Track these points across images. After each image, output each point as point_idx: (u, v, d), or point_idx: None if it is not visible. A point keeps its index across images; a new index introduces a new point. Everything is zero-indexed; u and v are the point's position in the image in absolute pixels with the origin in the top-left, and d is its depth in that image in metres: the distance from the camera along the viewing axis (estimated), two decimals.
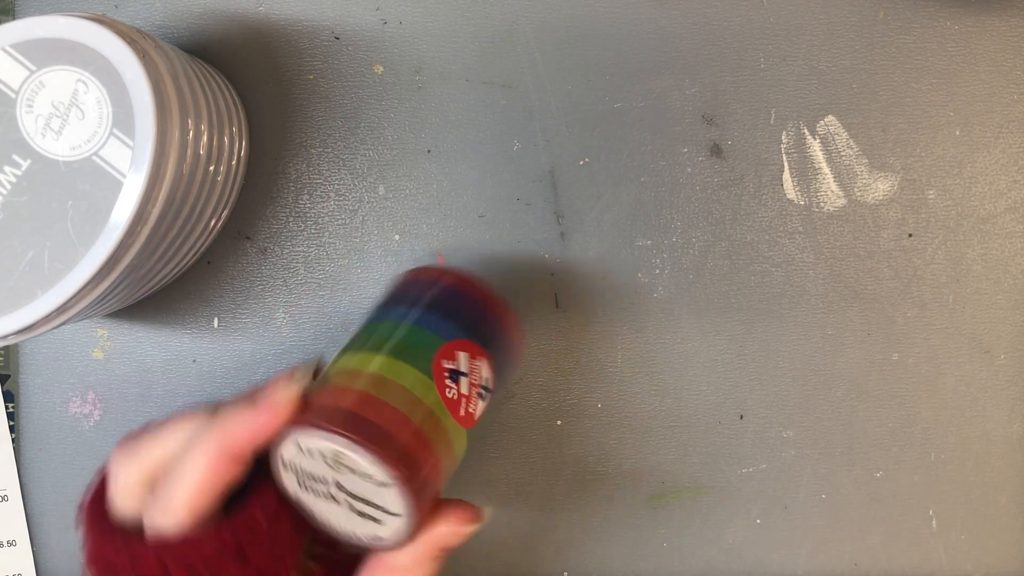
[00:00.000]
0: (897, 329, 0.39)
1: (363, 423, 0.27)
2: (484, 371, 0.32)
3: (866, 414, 0.40)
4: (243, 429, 0.27)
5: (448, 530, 0.28)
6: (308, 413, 0.27)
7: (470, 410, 0.30)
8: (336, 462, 0.27)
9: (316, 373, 0.31)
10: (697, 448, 0.39)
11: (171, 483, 0.27)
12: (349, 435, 0.26)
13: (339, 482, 0.27)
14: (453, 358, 0.31)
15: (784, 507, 0.40)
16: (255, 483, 0.29)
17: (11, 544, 0.39)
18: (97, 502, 0.29)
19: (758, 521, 0.40)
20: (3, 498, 0.38)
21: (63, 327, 0.38)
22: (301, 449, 0.27)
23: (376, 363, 0.29)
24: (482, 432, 0.39)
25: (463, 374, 0.31)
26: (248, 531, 0.27)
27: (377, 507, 0.27)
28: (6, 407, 0.38)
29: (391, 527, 0.28)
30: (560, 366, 0.39)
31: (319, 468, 0.27)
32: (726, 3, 0.38)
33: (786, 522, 0.40)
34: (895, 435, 0.40)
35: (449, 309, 0.32)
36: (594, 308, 0.39)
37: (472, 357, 0.31)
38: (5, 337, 0.28)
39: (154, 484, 0.28)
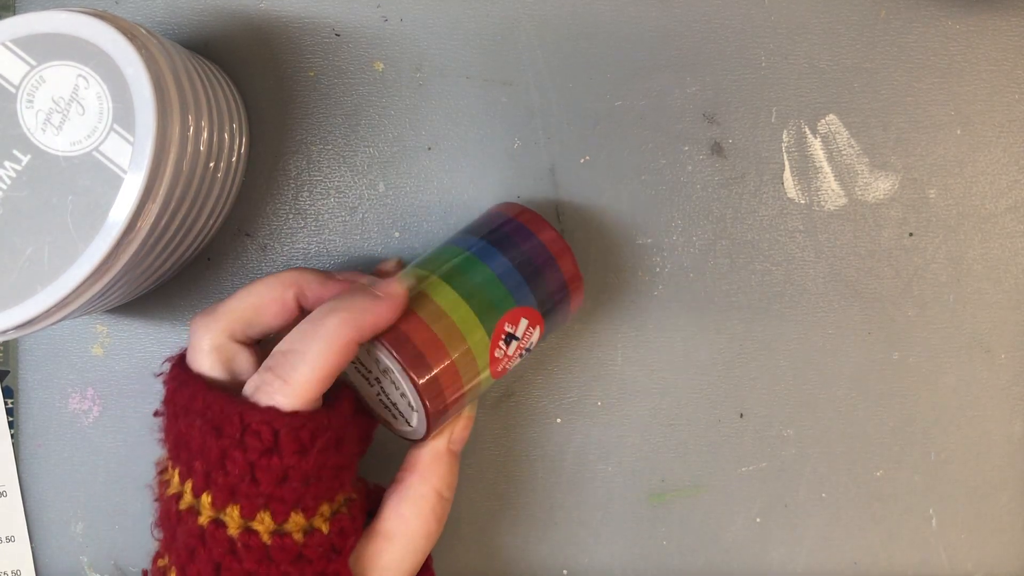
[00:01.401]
0: (898, 328, 0.39)
1: (423, 365, 0.29)
2: (534, 337, 0.33)
3: (866, 413, 0.40)
4: (370, 317, 0.27)
5: (455, 429, 0.32)
6: (391, 331, 0.29)
7: (507, 367, 0.32)
8: (383, 373, 0.30)
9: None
10: (697, 446, 0.39)
11: (296, 360, 0.27)
12: (412, 376, 0.29)
13: (381, 383, 0.31)
14: (515, 323, 0.32)
15: (784, 506, 0.40)
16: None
17: (10, 540, 0.39)
18: (181, 359, 0.31)
19: (758, 520, 0.40)
20: (2, 494, 0.38)
21: (62, 323, 0.38)
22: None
23: (452, 305, 0.30)
24: (483, 432, 0.39)
25: (516, 338, 0.32)
26: (342, 422, 0.28)
27: (401, 413, 0.31)
28: (5, 403, 0.38)
29: (413, 428, 0.31)
30: (560, 365, 0.39)
31: (371, 365, 0.30)
32: (727, 1, 0.38)
33: (786, 521, 0.40)
34: (895, 434, 0.40)
35: (535, 273, 0.33)
36: (594, 306, 0.39)
37: (530, 324, 0.32)
38: (4, 332, 0.28)
39: (269, 356, 0.29)
